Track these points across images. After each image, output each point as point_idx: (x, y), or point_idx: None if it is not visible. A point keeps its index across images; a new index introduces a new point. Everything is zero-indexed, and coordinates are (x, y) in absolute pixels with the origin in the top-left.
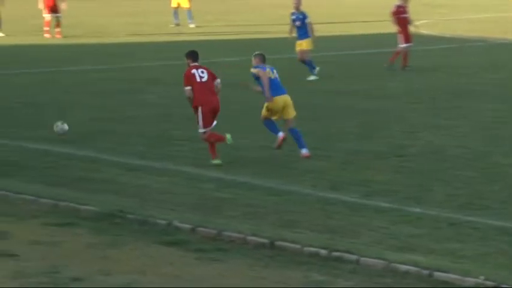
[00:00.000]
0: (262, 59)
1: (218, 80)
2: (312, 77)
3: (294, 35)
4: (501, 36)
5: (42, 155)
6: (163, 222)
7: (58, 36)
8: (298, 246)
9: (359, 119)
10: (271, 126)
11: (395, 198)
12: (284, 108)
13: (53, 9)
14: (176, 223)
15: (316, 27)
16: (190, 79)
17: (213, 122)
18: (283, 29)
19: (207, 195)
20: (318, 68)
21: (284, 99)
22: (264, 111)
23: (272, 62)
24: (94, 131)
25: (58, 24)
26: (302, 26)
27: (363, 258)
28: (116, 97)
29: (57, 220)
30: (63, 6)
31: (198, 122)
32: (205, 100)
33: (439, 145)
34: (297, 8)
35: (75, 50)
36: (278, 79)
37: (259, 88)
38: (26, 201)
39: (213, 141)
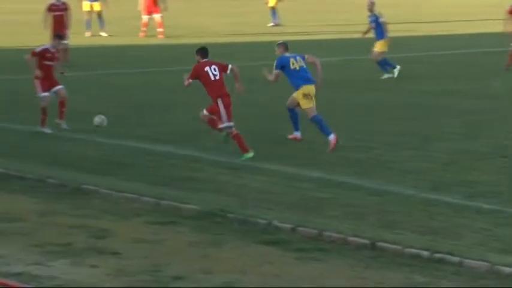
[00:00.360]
0: (285, 48)
1: (230, 66)
2: (386, 75)
3: (368, 36)
4: None
5: (144, 154)
6: (263, 221)
7: (160, 36)
8: (399, 247)
9: (461, 118)
10: (321, 123)
11: (499, 199)
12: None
13: (151, 11)
14: (276, 223)
15: (410, 26)
16: (200, 74)
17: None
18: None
19: (307, 194)
20: (398, 67)
21: (309, 88)
22: (302, 101)
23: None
24: (196, 131)
25: (160, 25)
26: (377, 27)
27: (466, 260)
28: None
29: (159, 218)
30: (162, 7)
31: (220, 117)
32: (222, 95)
33: None
34: (370, 9)
35: (177, 50)
36: (304, 67)
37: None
38: (128, 200)
39: (237, 141)
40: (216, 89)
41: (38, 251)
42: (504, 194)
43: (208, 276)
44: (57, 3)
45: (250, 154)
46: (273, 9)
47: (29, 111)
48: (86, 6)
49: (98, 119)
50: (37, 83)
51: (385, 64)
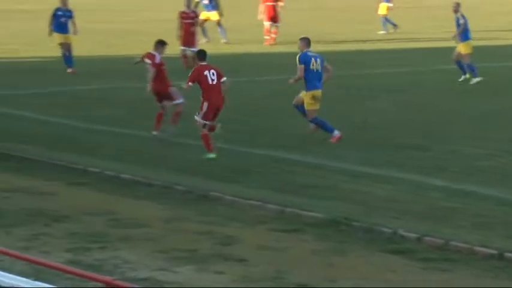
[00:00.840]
0: (308, 43)
1: (225, 79)
2: (476, 80)
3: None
4: None
5: (269, 161)
6: (388, 230)
7: (271, 42)
8: None
9: None
10: (324, 124)
11: None
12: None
13: (273, 19)
14: (402, 232)
15: None
16: (200, 78)
17: (214, 118)
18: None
19: (434, 204)
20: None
21: (319, 93)
22: (308, 102)
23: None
24: (320, 138)
25: (275, 33)
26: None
27: None
28: (347, 103)
29: (283, 226)
30: (280, 15)
31: (199, 112)
32: (214, 99)
33: None
34: (455, 10)
35: None
36: (320, 71)
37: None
38: (253, 207)
39: (205, 141)
40: (209, 93)
41: (163, 257)
42: None
43: (332, 284)
44: (188, 11)
45: (212, 155)
46: (384, 17)
47: (150, 118)
48: (203, 15)
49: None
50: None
51: (468, 67)
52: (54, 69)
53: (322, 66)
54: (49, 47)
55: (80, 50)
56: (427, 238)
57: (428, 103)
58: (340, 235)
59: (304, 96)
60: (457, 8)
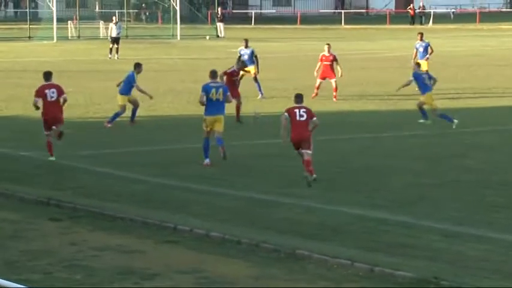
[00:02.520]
0: (213, 75)
1: (315, 119)
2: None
3: None
4: None
5: (359, 219)
6: None
7: (335, 99)
8: None
9: None
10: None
11: None
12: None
13: (326, 76)
14: None
15: None
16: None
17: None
18: None
19: None
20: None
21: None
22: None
23: None
24: (411, 196)
25: (335, 89)
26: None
27: None
28: (435, 162)
29: (372, 285)
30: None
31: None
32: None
33: None
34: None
35: (395, 116)
36: (219, 100)
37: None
38: (341, 266)
39: None
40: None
41: None
42: None
43: None
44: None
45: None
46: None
47: (240, 176)
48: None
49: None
50: None
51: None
52: (144, 127)
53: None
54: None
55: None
56: None
57: None
58: None
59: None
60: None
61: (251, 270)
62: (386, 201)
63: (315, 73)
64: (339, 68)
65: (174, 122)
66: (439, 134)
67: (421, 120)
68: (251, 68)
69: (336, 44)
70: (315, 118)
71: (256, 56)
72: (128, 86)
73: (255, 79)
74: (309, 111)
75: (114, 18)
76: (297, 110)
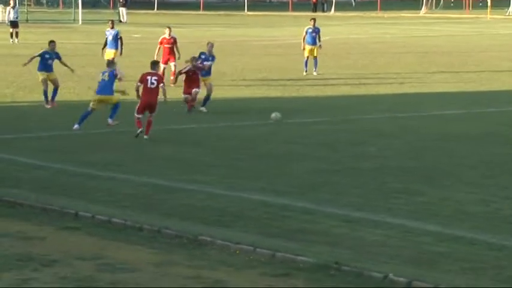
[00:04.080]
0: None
1: (163, 84)
2: None
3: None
4: None
5: (261, 205)
6: (378, 275)
7: (172, 84)
8: None
9: None
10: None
11: None
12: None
13: (168, 59)
14: (392, 276)
15: None
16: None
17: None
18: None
19: (424, 248)
20: None
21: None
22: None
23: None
24: (312, 183)
25: (173, 73)
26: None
27: None
28: (337, 149)
29: (273, 270)
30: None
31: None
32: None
33: None
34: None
35: (296, 103)
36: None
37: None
38: (243, 251)
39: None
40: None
41: None
42: None
43: None
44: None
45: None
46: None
47: (145, 163)
48: None
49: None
50: None
51: None
52: (46, 114)
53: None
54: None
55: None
56: (416, 282)
57: (422, 148)
58: (330, 280)
59: None
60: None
61: (153, 256)
62: (288, 187)
63: (155, 56)
64: (177, 51)
65: (75, 108)
66: (341, 121)
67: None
68: (111, 52)
69: (239, 30)
70: (161, 84)
71: (121, 38)
72: (44, 62)
73: (112, 61)
74: (159, 79)
75: (11, 1)
76: (149, 77)
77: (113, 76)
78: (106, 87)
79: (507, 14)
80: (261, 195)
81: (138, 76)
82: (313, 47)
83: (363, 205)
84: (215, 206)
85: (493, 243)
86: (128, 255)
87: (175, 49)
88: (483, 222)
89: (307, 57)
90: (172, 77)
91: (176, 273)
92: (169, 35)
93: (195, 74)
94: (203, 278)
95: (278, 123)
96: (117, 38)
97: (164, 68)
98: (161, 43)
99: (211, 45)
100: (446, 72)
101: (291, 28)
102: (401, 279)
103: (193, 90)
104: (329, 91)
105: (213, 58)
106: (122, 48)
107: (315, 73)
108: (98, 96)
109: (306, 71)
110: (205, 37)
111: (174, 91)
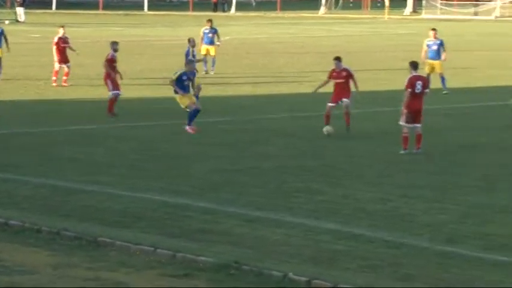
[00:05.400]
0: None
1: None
2: None
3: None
4: None
5: (162, 206)
6: (278, 274)
7: (65, 84)
8: None
9: (481, 171)
10: None
11: None
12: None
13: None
14: (291, 275)
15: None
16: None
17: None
18: None
19: (323, 247)
20: None
21: None
22: None
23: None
24: (214, 183)
25: (67, 74)
26: None
27: None
28: (238, 149)
29: (174, 271)
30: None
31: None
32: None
33: None
34: None
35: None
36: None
37: None
38: (144, 252)
39: None
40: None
41: None
42: None
43: None
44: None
45: None
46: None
47: (44, 164)
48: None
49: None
50: None
51: None
52: None
53: None
54: None
55: None
56: (315, 281)
57: (322, 147)
58: (231, 280)
59: None
60: None
61: (51, 258)
62: (189, 187)
63: (55, 58)
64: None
65: None
66: (242, 121)
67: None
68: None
69: (139, 30)
70: None
71: (5, 36)
72: None
73: None
74: None
75: None
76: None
77: None
78: None
79: (404, 14)
80: (161, 195)
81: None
82: (210, 46)
83: (264, 204)
84: (115, 207)
85: (390, 241)
86: (26, 257)
87: (68, 49)
88: (381, 220)
89: (205, 55)
90: (64, 77)
91: (75, 275)
92: (64, 34)
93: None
94: (103, 280)
95: (330, 135)
96: (1, 36)
97: (60, 68)
98: (57, 44)
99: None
100: None
101: (191, 28)
102: (300, 278)
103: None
104: (230, 91)
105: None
106: (7, 45)
107: (212, 72)
108: None
109: (206, 71)
110: (105, 37)
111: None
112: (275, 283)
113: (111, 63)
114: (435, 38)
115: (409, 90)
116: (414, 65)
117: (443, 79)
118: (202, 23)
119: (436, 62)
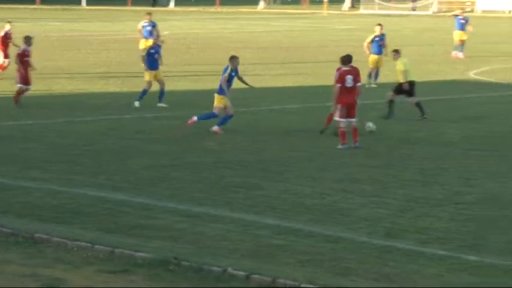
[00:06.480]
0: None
1: None
2: None
3: None
4: None
5: (100, 202)
6: (218, 269)
7: None
8: None
9: (418, 165)
10: None
11: (451, 245)
12: None
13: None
14: (231, 270)
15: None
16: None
17: None
18: None
19: (262, 242)
20: None
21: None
22: None
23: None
24: (152, 178)
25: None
26: None
27: None
28: (177, 144)
29: (112, 267)
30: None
31: None
32: None
33: (497, 192)
34: None
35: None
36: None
37: None
38: (81, 248)
39: None
40: None
41: None
42: (457, 240)
43: None
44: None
45: None
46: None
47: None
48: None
49: (370, 126)
50: None
51: None
52: None
53: None
54: None
55: None
56: (255, 276)
57: (263, 142)
58: (170, 275)
59: None
60: None
61: None
62: (128, 182)
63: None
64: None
65: None
66: (183, 116)
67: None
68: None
69: (77, 25)
70: None
71: None
72: None
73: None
74: None
75: None
76: None
77: None
78: None
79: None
80: (99, 191)
81: None
82: (149, 40)
83: (203, 200)
84: (53, 203)
85: (329, 236)
86: None
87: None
88: (320, 214)
89: (143, 49)
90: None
91: (12, 271)
92: (10, 30)
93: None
94: (39, 276)
95: (371, 132)
96: None
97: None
98: (3, 38)
99: None
100: (285, 67)
101: (130, 23)
102: (240, 272)
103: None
104: (170, 86)
105: None
106: None
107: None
108: None
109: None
110: (43, 32)
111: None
112: (214, 278)
113: (22, 57)
114: (381, 33)
115: (339, 85)
116: (344, 60)
117: (377, 73)
118: (141, 18)
119: (380, 57)
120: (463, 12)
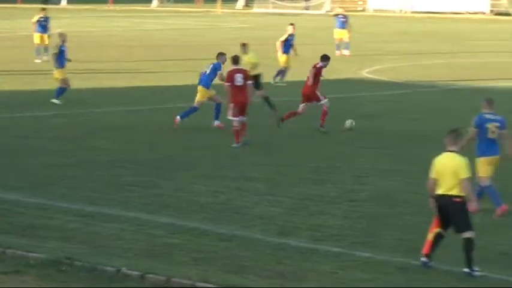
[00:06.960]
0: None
1: None
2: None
3: None
4: (452, 81)
5: None
6: (111, 269)
7: None
8: None
9: (312, 164)
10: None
11: (344, 243)
12: None
13: None
14: (125, 270)
15: None
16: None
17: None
18: None
19: (157, 241)
20: None
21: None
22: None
23: None
24: (46, 178)
25: None
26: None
27: None
28: (71, 142)
29: (3, 268)
30: None
31: None
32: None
33: (389, 190)
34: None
35: (32, 96)
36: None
37: None
38: None
39: None
40: None
41: None
42: (350, 237)
43: None
44: None
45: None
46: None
47: None
48: None
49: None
50: None
51: None
52: None
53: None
54: None
55: None
56: (149, 276)
57: (157, 140)
58: (62, 275)
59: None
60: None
61: None
62: (21, 182)
63: None
64: None
65: None
66: (76, 114)
67: (54, 100)
68: None
69: None
70: None
71: None
72: None
73: None
74: None
75: None
76: None
77: None
78: None
79: (236, 8)
80: None
81: None
82: (43, 34)
83: (97, 199)
84: None
85: (223, 234)
86: None
87: None
88: (214, 213)
89: (38, 44)
90: None
91: None
92: None
93: None
94: None
95: (351, 129)
96: None
97: None
98: None
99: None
100: (179, 66)
101: (20, 20)
102: (134, 272)
103: None
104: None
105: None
106: None
107: (45, 58)
108: None
109: (41, 60)
110: None
111: None
112: (108, 278)
113: None
114: (293, 32)
115: (228, 84)
116: (234, 59)
117: (286, 72)
118: (31, 15)
119: (289, 56)
120: (344, 12)
